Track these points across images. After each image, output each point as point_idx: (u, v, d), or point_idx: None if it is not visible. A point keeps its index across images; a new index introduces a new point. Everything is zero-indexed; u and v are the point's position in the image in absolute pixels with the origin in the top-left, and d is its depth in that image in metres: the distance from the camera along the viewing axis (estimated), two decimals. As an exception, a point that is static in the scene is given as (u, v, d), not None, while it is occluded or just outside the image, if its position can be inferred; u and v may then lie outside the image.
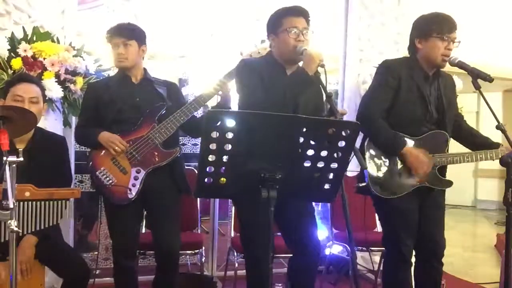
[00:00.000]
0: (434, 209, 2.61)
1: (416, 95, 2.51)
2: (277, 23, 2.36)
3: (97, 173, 2.54)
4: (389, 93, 2.51)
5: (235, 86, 2.43)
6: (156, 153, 2.54)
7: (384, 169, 2.52)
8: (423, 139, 2.53)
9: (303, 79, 2.23)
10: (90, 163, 2.57)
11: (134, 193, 2.52)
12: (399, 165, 2.52)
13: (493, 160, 2.57)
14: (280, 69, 2.38)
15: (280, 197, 1.69)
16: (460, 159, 2.57)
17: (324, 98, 2.12)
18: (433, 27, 2.47)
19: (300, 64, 2.33)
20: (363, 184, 2.52)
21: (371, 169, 2.51)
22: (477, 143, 2.67)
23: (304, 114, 2.21)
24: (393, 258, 2.61)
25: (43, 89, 2.59)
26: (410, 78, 2.52)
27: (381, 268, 3.71)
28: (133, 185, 2.52)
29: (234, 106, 2.67)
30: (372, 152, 2.53)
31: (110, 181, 2.52)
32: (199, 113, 2.67)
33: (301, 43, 2.30)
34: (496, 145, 2.62)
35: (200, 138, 3.72)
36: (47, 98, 2.87)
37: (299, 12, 2.35)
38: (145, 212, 2.82)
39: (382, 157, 2.52)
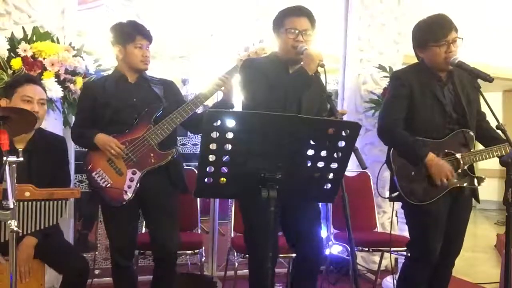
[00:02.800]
0: (461, 211, 2.59)
1: (430, 100, 2.50)
2: (280, 23, 2.38)
3: (93, 174, 2.54)
4: (403, 103, 2.51)
5: (238, 84, 2.44)
6: (152, 155, 2.53)
7: (412, 176, 2.49)
8: (447, 140, 2.51)
9: (305, 78, 2.24)
10: (86, 165, 2.56)
11: (129, 195, 2.50)
12: (426, 171, 2.48)
13: None
14: (283, 68, 2.39)
15: (281, 197, 1.69)
16: (489, 154, 2.53)
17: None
18: (427, 36, 2.47)
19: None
20: (395, 194, 2.51)
21: (400, 178, 2.49)
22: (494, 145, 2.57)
23: (308, 113, 2.22)
24: (419, 261, 2.57)
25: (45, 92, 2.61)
26: (421, 84, 2.51)
27: (382, 268, 3.72)
28: (129, 187, 2.51)
29: (237, 104, 2.67)
30: (399, 161, 2.51)
31: (106, 183, 2.51)
32: (200, 109, 2.66)
33: (300, 43, 2.30)
34: None
35: (199, 135, 3.74)
36: (47, 99, 2.88)
37: (301, 12, 2.36)
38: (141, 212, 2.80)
39: (409, 165, 2.50)
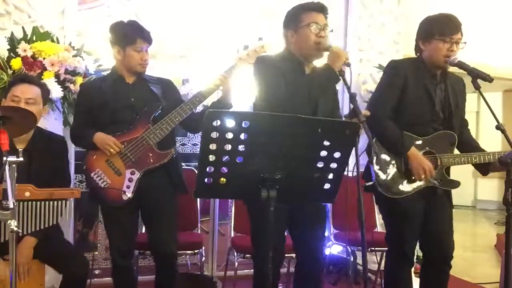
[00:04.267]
0: (439, 210, 2.60)
1: (422, 95, 2.51)
2: (297, 19, 2.32)
3: (91, 174, 2.53)
4: (395, 92, 2.51)
5: (254, 83, 2.34)
6: (151, 154, 2.52)
7: (390, 169, 2.52)
8: (430, 139, 2.53)
9: (322, 80, 2.23)
10: (85, 165, 2.56)
11: (128, 195, 2.50)
12: (405, 166, 2.51)
13: None
14: (298, 67, 2.34)
15: (281, 197, 1.69)
16: (468, 159, 2.55)
17: (348, 98, 2.08)
18: (435, 29, 2.47)
19: (315, 63, 2.33)
20: (370, 183, 2.53)
21: (377, 168, 2.51)
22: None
23: (323, 114, 2.22)
24: (395, 256, 2.62)
25: (45, 91, 2.56)
26: (416, 77, 2.52)
27: (381, 268, 3.72)
28: (128, 187, 2.50)
29: (235, 103, 2.66)
30: (379, 151, 2.53)
31: (105, 183, 2.51)
32: (199, 108, 2.65)
33: (323, 39, 2.28)
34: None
35: (198, 134, 3.73)
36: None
37: (320, 8, 2.33)
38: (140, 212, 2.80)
39: (389, 157, 2.52)
